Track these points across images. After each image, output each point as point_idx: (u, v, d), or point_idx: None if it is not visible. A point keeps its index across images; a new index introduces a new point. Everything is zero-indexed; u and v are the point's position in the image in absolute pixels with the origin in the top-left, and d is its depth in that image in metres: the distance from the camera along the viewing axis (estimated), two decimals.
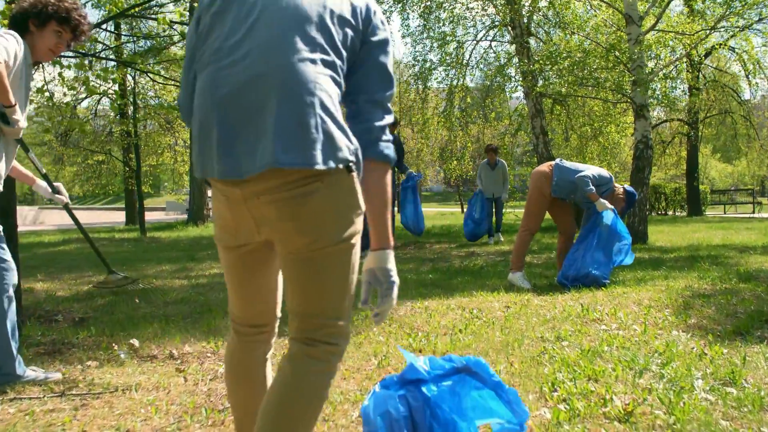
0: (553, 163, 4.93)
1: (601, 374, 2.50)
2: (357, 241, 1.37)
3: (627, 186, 4.95)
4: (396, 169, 7.68)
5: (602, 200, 4.60)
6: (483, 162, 9.35)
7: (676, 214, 21.67)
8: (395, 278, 1.41)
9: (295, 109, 1.23)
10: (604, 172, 4.81)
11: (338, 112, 1.29)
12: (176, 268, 6.54)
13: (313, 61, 1.28)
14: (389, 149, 1.41)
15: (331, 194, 1.28)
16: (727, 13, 9.02)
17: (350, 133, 1.32)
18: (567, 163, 4.88)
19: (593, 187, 4.61)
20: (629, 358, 2.71)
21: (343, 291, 1.36)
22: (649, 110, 9.08)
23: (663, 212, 21.71)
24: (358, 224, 1.36)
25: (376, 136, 1.39)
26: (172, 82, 14.35)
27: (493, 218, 9.32)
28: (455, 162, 14.21)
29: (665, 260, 6.41)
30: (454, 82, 12.52)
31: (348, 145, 1.29)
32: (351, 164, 1.30)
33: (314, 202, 1.27)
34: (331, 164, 1.24)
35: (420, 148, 18.15)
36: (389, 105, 1.44)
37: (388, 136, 1.42)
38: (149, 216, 26.51)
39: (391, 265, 1.41)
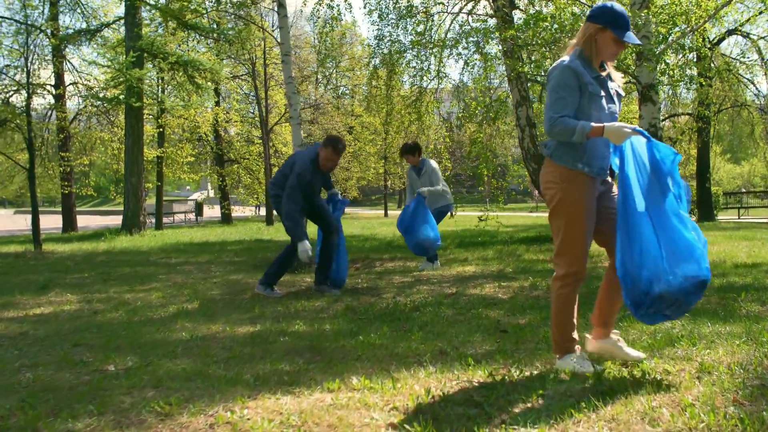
0: (544, 156, 2.72)
1: None
2: None
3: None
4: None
5: (610, 125, 2.49)
6: (408, 168, 6.82)
7: None
8: None
9: None
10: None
11: None
12: None
13: None
14: None
15: None
16: None
17: None
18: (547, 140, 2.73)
19: (574, 121, 2.51)
20: None
21: None
22: (658, 92, 7.17)
23: None
24: None
25: None
26: (107, 68, 12.54)
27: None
28: None
29: None
30: (425, 66, 10.56)
31: None
32: None
33: None
34: None
35: (389, 142, 16.18)
36: None
37: None
38: (109, 220, 24.65)
39: None
